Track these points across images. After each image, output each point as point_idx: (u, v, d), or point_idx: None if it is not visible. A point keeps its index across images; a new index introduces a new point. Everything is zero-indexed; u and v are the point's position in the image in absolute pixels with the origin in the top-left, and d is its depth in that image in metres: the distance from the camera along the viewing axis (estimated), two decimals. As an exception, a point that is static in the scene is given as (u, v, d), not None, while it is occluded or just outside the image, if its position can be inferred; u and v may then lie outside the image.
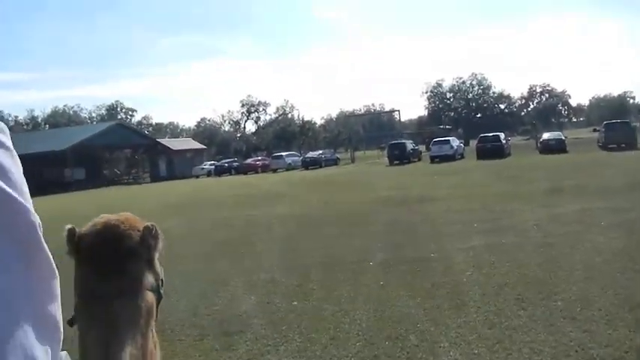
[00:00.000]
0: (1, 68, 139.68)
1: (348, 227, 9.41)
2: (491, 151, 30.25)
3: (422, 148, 41.59)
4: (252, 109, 75.19)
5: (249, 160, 47.71)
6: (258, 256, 7.52)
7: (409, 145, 36.28)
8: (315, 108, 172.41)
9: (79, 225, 0.87)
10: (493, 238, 7.45)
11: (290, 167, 42.42)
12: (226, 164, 46.73)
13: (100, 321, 0.79)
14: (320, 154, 44.52)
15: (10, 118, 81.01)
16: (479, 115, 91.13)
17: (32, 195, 0.65)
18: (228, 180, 34.92)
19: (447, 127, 60.71)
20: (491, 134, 32.99)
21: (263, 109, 75.88)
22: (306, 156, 44.82)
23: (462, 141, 41.87)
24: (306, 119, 73.89)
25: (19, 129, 73.27)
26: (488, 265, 6.12)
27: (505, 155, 30.73)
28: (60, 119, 76.54)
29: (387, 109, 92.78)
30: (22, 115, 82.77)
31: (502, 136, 33.00)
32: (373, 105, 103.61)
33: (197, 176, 44.98)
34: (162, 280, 0.91)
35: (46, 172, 40.12)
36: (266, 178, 33.20)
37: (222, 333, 4.52)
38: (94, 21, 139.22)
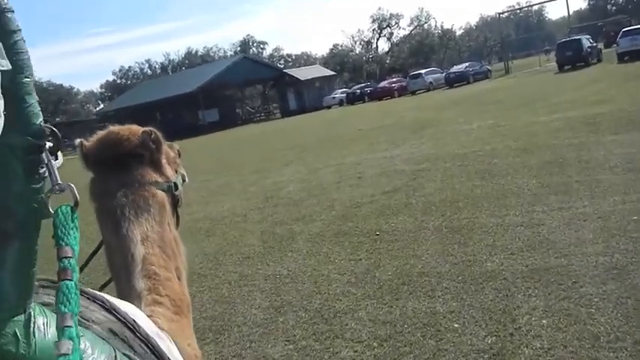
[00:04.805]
0: (146, 22, 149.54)
1: (549, 174, 5.65)
2: None
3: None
4: (384, 24, 68.65)
5: (383, 84, 42.86)
6: (397, 244, 4.25)
7: (585, 41, 27.59)
8: (452, 16, 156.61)
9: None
10: None
11: (431, 87, 37.17)
12: (358, 90, 42.38)
13: (111, 212, 0.91)
14: (466, 67, 37.22)
15: (156, 66, 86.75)
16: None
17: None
18: (361, 108, 31.48)
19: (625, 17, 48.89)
20: None
21: (396, 23, 69.05)
22: (450, 71, 38.03)
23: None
24: (445, 27, 65.86)
25: (164, 74, 77.57)
26: None
27: None
28: (194, 60, 78.81)
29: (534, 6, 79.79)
30: (160, 60, 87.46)
31: None
32: (519, 3, 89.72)
33: (328, 107, 41.51)
34: (174, 183, 1.03)
35: (182, 115, 40.41)
36: (404, 102, 29.05)
37: None
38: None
